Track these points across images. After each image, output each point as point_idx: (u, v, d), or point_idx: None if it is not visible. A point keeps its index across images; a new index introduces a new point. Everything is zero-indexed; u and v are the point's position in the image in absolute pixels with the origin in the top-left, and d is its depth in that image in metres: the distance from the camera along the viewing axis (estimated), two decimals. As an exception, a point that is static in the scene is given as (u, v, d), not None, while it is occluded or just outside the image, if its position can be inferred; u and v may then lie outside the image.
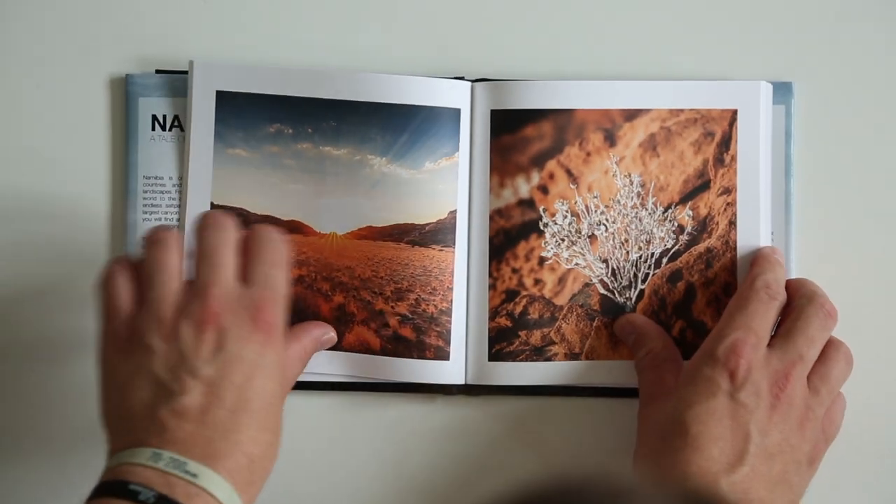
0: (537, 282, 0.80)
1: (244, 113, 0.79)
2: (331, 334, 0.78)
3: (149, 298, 0.70)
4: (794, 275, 0.80)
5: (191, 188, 0.79)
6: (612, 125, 0.80)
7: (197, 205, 0.79)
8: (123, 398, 0.68)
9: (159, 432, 0.66)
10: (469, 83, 0.80)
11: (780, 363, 0.72)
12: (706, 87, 0.79)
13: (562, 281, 0.80)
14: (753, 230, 0.79)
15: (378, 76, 0.79)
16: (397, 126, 0.79)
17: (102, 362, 0.71)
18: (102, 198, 0.81)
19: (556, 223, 0.80)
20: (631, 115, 0.79)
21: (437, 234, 0.80)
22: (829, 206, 0.81)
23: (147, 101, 0.79)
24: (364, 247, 0.80)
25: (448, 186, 0.80)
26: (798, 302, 0.75)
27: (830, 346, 0.75)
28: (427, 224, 0.80)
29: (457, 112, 0.79)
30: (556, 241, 0.80)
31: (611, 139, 0.80)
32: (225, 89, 0.79)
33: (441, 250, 0.80)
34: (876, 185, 0.81)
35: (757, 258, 0.77)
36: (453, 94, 0.79)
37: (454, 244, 0.79)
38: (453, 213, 0.80)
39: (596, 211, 0.80)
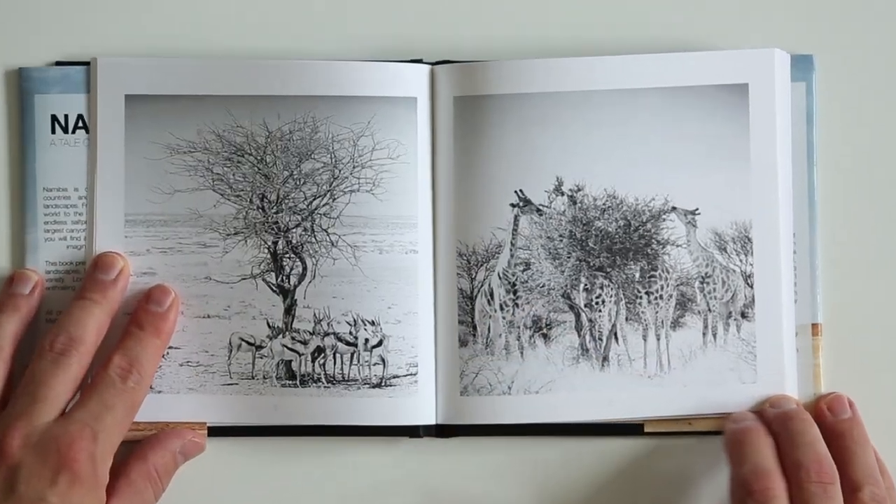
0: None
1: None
2: (194, 440, 0.75)
3: None
4: (820, 279, 0.76)
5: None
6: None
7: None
8: None
9: None
10: (428, 66, 0.76)
11: None
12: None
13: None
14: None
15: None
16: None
17: None
18: (-1, 213, 0.79)
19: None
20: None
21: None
22: (857, 197, 0.78)
23: (44, 99, 0.75)
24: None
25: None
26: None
27: None
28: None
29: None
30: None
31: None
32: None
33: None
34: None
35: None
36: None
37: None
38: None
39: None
